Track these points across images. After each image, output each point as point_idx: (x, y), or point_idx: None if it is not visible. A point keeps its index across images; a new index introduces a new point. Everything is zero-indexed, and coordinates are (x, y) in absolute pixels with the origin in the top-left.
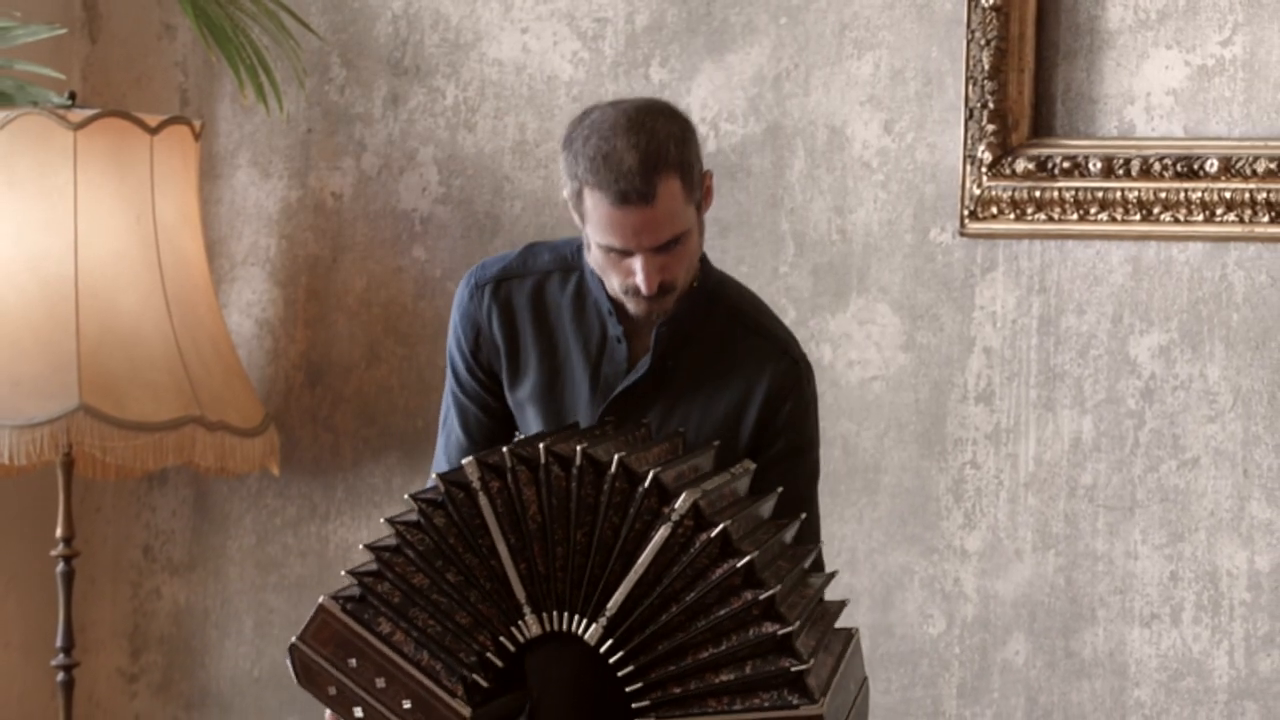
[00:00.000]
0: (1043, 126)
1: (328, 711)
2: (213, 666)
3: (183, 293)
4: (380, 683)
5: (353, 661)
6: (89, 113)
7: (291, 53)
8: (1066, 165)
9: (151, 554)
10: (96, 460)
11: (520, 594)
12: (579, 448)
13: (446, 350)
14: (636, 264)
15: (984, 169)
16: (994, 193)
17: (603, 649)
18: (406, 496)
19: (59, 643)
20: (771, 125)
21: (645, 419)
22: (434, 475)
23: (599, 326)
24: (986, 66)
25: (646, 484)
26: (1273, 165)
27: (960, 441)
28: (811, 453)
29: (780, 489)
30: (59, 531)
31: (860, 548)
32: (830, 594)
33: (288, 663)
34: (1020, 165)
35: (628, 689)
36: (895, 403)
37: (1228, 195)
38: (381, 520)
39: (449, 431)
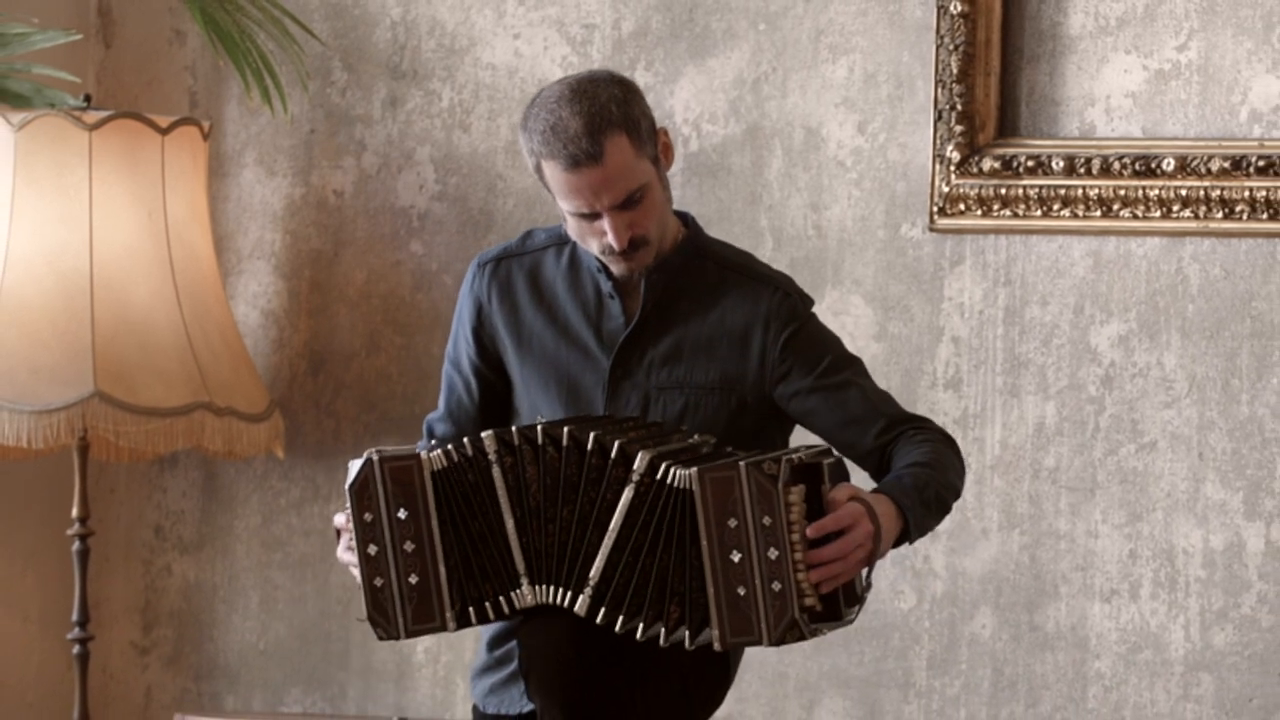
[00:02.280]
0: (1008, 127)
1: (343, 536)
2: (220, 640)
3: (192, 285)
4: (408, 546)
5: (402, 513)
6: (103, 114)
7: (295, 57)
8: (1030, 164)
9: (163, 533)
10: (110, 444)
11: (520, 565)
12: (566, 429)
13: (451, 333)
14: (605, 224)
15: (952, 168)
16: (962, 190)
17: (597, 618)
18: (465, 440)
19: (75, 617)
20: (751, 126)
21: (648, 365)
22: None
23: (593, 288)
24: (954, 70)
25: (613, 454)
26: (1226, 164)
27: None
28: (836, 354)
29: (827, 401)
30: (75, 512)
31: None
32: None
33: (353, 464)
34: (987, 164)
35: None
36: None
37: (1183, 193)
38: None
39: (440, 404)
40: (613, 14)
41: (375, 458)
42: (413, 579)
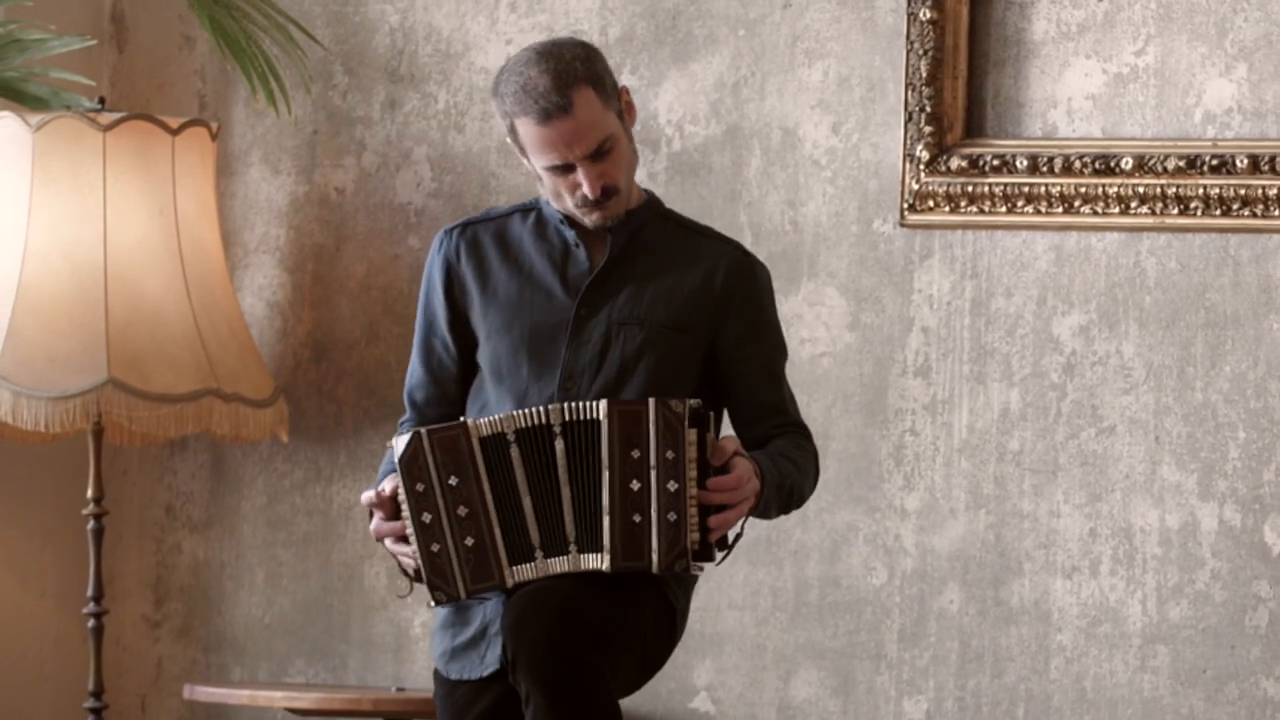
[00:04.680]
0: (975, 128)
1: (375, 514)
2: (228, 614)
3: (201, 278)
4: (462, 511)
5: (454, 480)
6: (117, 116)
7: (299, 62)
8: (996, 163)
9: (173, 513)
10: (124, 428)
11: (535, 538)
12: (541, 409)
13: (419, 303)
14: (579, 175)
15: (922, 166)
16: (931, 188)
17: (598, 564)
18: (498, 417)
19: (90, 592)
20: (731, 127)
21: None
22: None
23: (559, 240)
24: (924, 74)
25: (545, 421)
26: (1181, 163)
27: (900, 412)
28: (775, 331)
29: (756, 372)
30: (90, 492)
31: (811, 507)
32: (782, 553)
33: (398, 440)
34: (954, 163)
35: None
36: (842, 377)
37: (1141, 190)
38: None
39: (416, 375)
40: (599, 20)
41: (422, 431)
42: (469, 541)
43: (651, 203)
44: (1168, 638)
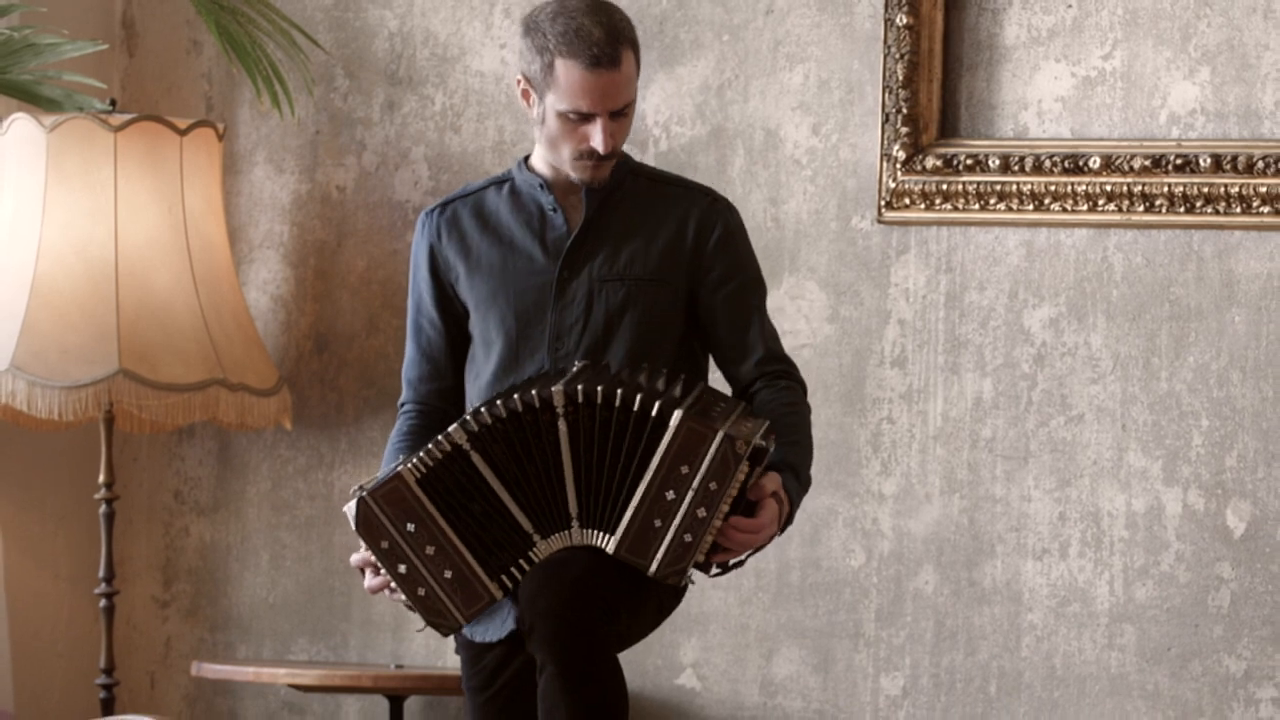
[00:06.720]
0: (949, 129)
1: (367, 571)
2: (234, 594)
3: (208, 272)
4: (429, 550)
5: (410, 526)
6: (127, 117)
7: (302, 65)
8: (970, 162)
9: (181, 497)
10: (134, 416)
11: (527, 526)
12: (503, 403)
13: (410, 286)
14: (595, 127)
15: (898, 165)
16: (907, 186)
17: (602, 543)
18: (433, 442)
19: (101, 574)
20: (715, 128)
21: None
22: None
23: (535, 205)
24: (900, 77)
25: (540, 402)
26: (1147, 162)
27: (878, 400)
28: (750, 270)
29: (731, 312)
30: (101, 478)
31: None
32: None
33: (349, 509)
34: (930, 162)
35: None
36: (822, 367)
37: (1108, 188)
38: (488, 405)
39: (408, 354)
40: None
41: (364, 494)
42: (447, 574)
43: (625, 163)
44: (1134, 617)
